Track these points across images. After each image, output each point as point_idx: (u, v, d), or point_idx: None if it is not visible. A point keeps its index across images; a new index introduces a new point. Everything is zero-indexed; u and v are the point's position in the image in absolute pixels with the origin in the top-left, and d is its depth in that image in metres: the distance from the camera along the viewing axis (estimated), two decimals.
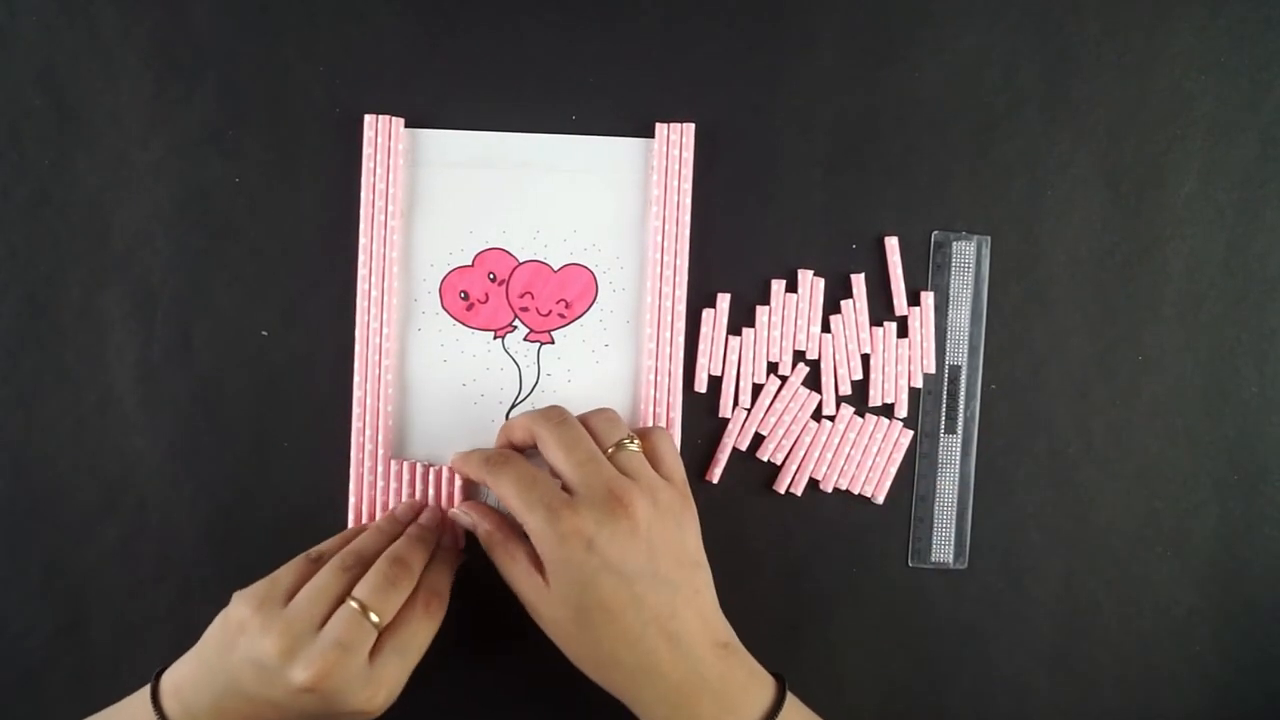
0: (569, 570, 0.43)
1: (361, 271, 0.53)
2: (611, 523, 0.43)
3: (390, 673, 0.44)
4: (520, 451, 0.48)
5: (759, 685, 0.45)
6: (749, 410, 0.54)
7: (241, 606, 0.44)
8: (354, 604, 0.43)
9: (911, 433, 0.54)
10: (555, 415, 0.46)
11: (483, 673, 0.53)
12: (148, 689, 0.44)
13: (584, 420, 0.47)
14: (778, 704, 0.44)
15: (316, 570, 0.45)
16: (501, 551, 0.46)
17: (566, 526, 0.42)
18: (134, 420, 0.53)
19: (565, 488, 0.45)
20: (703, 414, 0.53)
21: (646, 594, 0.43)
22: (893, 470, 0.54)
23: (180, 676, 0.44)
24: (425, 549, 0.47)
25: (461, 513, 0.49)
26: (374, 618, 0.43)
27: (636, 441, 0.46)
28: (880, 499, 0.54)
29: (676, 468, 0.48)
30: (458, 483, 0.52)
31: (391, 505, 0.52)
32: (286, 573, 0.45)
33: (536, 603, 0.45)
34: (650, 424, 0.53)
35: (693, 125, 0.53)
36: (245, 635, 0.43)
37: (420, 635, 0.45)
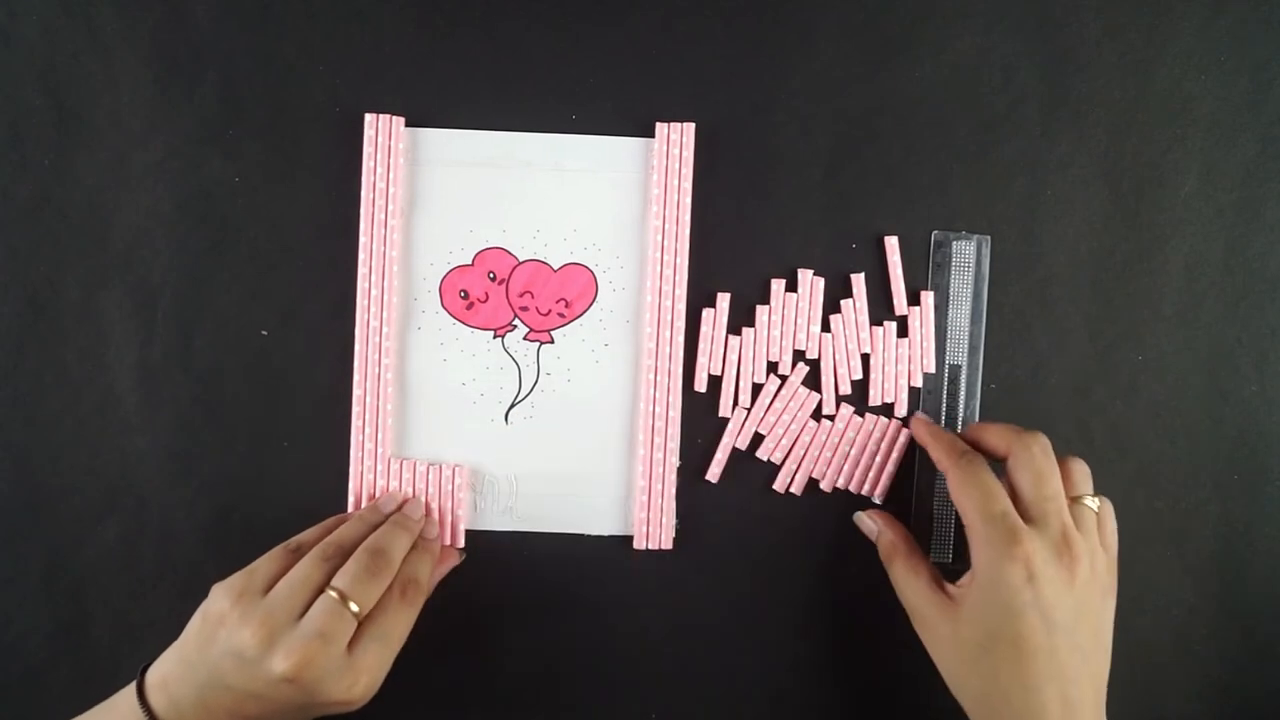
0: (1001, 593, 0.44)
1: (361, 270, 0.53)
2: (1057, 566, 0.44)
3: (370, 661, 0.44)
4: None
5: None
6: (749, 410, 0.54)
7: (220, 599, 0.44)
8: (333, 594, 0.43)
9: (901, 424, 0.54)
10: (1044, 442, 0.47)
11: (468, 667, 0.53)
12: (133, 685, 0.44)
13: (1061, 460, 0.48)
14: None
15: (295, 560, 0.45)
16: (904, 564, 0.49)
17: (1020, 551, 0.43)
18: (134, 420, 0.53)
19: (1020, 513, 0.45)
20: (702, 413, 0.53)
21: (1061, 649, 0.43)
22: (892, 469, 0.53)
23: (165, 671, 0.44)
24: (406, 538, 0.47)
25: (867, 519, 0.51)
26: (353, 607, 0.43)
27: (1097, 501, 0.48)
28: (879, 498, 0.54)
29: (1114, 542, 0.48)
30: (456, 481, 0.52)
31: None
32: (265, 563, 0.45)
33: (937, 619, 0.46)
34: (644, 427, 0.52)
35: (693, 125, 0.53)
36: (225, 627, 0.43)
37: (400, 624, 0.45)
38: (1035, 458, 0.46)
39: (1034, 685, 0.43)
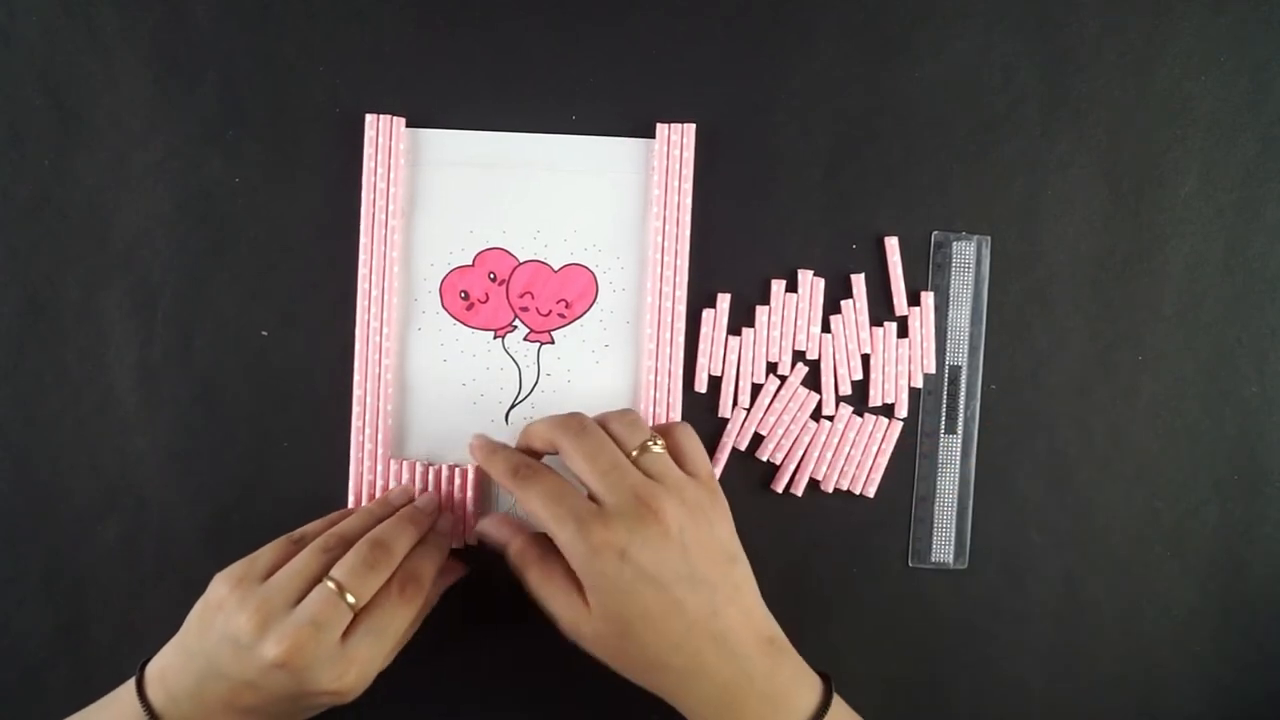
0: (606, 582, 0.42)
1: (362, 271, 0.53)
2: (642, 530, 0.42)
3: (362, 653, 0.43)
4: (539, 457, 0.47)
5: (806, 685, 0.44)
6: (748, 410, 0.54)
7: (220, 585, 0.44)
8: (330, 584, 0.43)
9: (901, 425, 0.54)
10: (575, 424, 0.45)
11: (467, 667, 0.53)
12: (133, 680, 0.45)
13: (604, 424, 0.46)
14: (824, 704, 0.44)
15: (298, 551, 0.45)
16: (535, 570, 0.45)
17: (598, 539, 0.42)
18: (134, 420, 0.53)
19: (592, 497, 0.44)
20: (702, 414, 0.53)
21: (686, 597, 0.42)
22: (883, 463, 0.53)
23: (164, 664, 0.44)
24: (411, 534, 0.47)
25: (492, 527, 0.48)
26: (350, 598, 0.43)
27: (660, 441, 0.45)
28: (871, 493, 0.53)
29: (702, 462, 0.47)
30: (456, 481, 0.52)
31: None
32: (266, 553, 0.46)
33: (576, 620, 0.44)
34: (655, 423, 0.52)
35: (693, 126, 0.53)
36: (222, 612, 0.43)
37: (396, 619, 0.45)
38: (576, 441, 0.44)
39: (679, 642, 0.42)
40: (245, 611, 0.42)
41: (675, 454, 0.46)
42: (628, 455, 0.45)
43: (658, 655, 0.43)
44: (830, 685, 0.45)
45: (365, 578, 0.44)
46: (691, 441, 0.47)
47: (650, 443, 0.45)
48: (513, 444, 0.48)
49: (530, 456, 0.47)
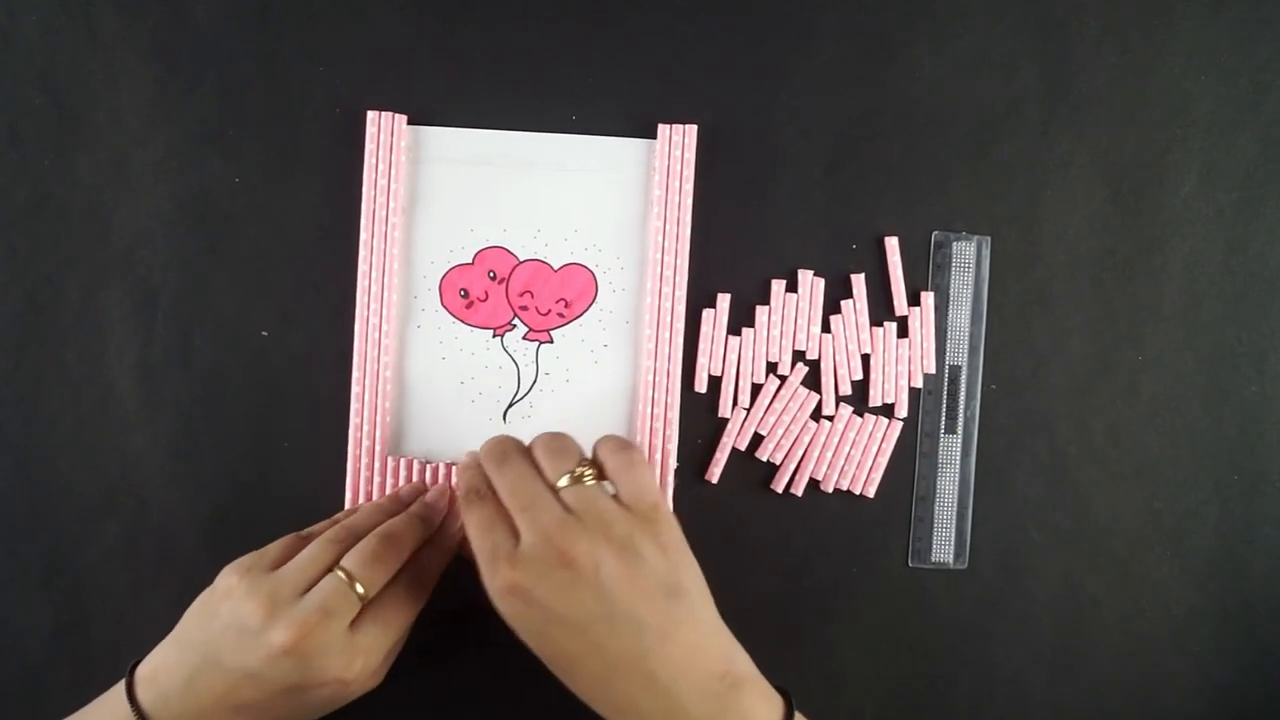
0: (516, 622, 0.41)
1: (362, 268, 0.53)
2: (551, 574, 0.40)
3: (370, 642, 0.44)
4: None
5: (764, 713, 0.42)
6: (748, 410, 0.54)
7: (229, 575, 0.44)
8: (340, 573, 0.43)
9: (901, 425, 0.54)
10: (498, 452, 0.43)
11: (465, 667, 0.53)
12: (122, 682, 0.44)
13: (533, 450, 0.44)
14: None
15: (304, 546, 0.45)
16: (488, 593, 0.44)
17: (502, 581, 0.40)
18: (134, 420, 0.53)
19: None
20: (702, 414, 0.53)
21: (605, 639, 0.40)
22: (884, 463, 0.53)
23: (156, 663, 0.45)
24: (421, 530, 0.47)
25: (464, 550, 0.48)
26: (359, 588, 0.43)
27: (590, 471, 0.43)
28: (871, 493, 0.53)
29: (640, 492, 0.43)
30: (453, 480, 0.52)
31: None
32: (276, 547, 0.46)
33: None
34: (643, 427, 0.52)
35: (694, 127, 0.53)
36: (229, 600, 0.43)
37: (403, 613, 0.45)
38: (496, 470, 0.43)
39: (602, 683, 0.41)
40: (254, 599, 0.42)
41: (613, 481, 0.43)
42: (552, 487, 0.42)
43: (590, 693, 0.42)
44: (791, 705, 0.43)
45: (375, 569, 0.44)
46: (629, 472, 0.43)
47: (582, 470, 0.42)
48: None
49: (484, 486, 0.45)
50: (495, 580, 0.40)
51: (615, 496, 0.43)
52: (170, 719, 0.43)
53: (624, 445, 0.44)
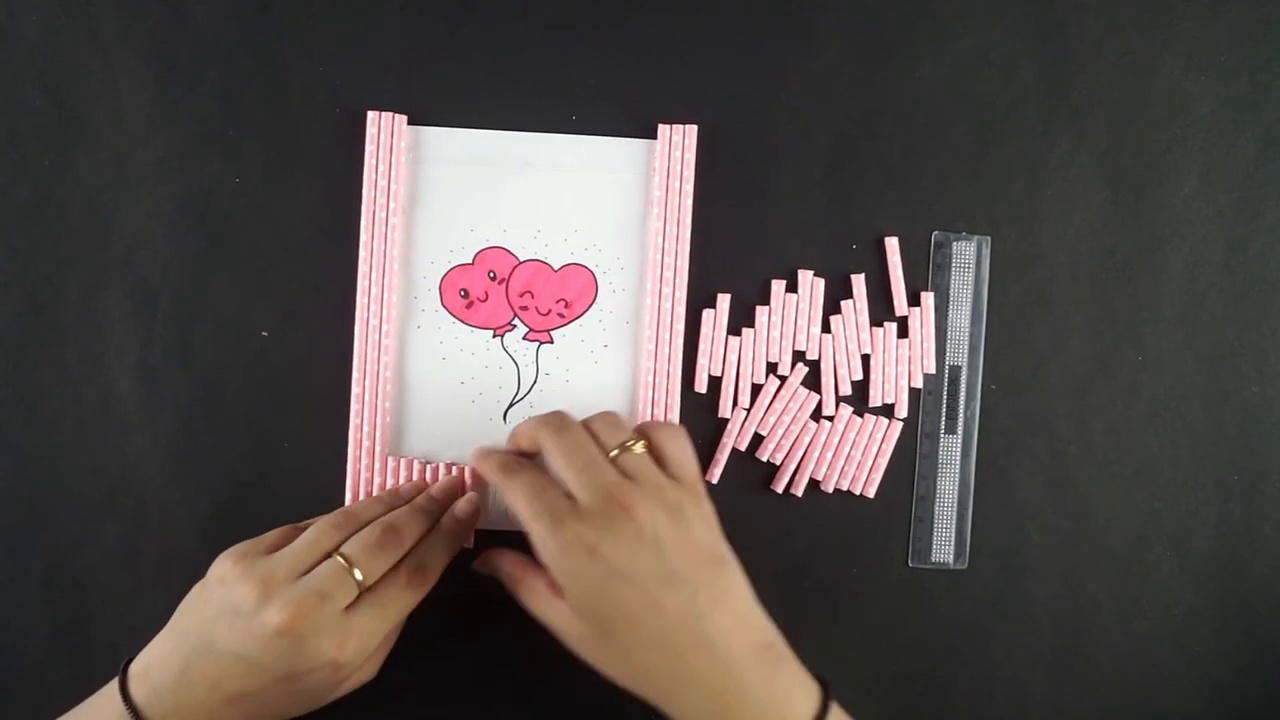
0: (578, 581, 0.41)
1: (362, 268, 0.53)
2: (614, 527, 0.41)
3: (365, 624, 0.43)
4: (530, 457, 0.47)
5: (803, 692, 0.43)
6: (748, 410, 0.54)
7: (222, 561, 0.44)
8: (340, 559, 0.43)
9: (901, 425, 0.54)
10: (555, 421, 0.45)
11: (464, 667, 0.53)
12: (115, 680, 0.44)
13: (587, 424, 0.45)
14: (822, 712, 0.42)
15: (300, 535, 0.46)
16: (523, 589, 0.45)
17: (568, 535, 0.41)
18: (134, 420, 0.53)
19: (570, 496, 0.43)
20: (702, 414, 0.53)
21: (664, 598, 0.41)
22: (884, 463, 0.53)
23: (149, 657, 0.45)
24: (424, 522, 0.47)
25: (481, 565, 0.49)
26: (358, 575, 0.43)
27: (641, 443, 0.45)
28: (871, 493, 0.53)
29: (685, 465, 0.45)
30: (467, 472, 0.52)
31: None
32: (270, 535, 0.46)
33: (562, 626, 0.44)
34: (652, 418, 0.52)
35: (695, 127, 0.53)
36: (223, 586, 0.43)
37: (400, 601, 0.45)
38: (556, 439, 0.44)
39: (662, 644, 0.41)
40: (248, 582, 0.42)
41: (657, 456, 0.45)
42: (606, 454, 0.44)
43: (642, 659, 0.42)
44: (828, 691, 0.43)
45: (376, 557, 0.44)
46: (675, 445, 0.45)
47: (631, 443, 0.44)
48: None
49: (522, 457, 0.47)
50: (561, 535, 0.41)
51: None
52: (163, 713, 0.43)
53: (670, 425, 0.46)
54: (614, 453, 0.44)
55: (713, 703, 0.42)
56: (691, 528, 0.43)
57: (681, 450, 0.45)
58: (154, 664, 0.44)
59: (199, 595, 0.45)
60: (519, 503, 0.43)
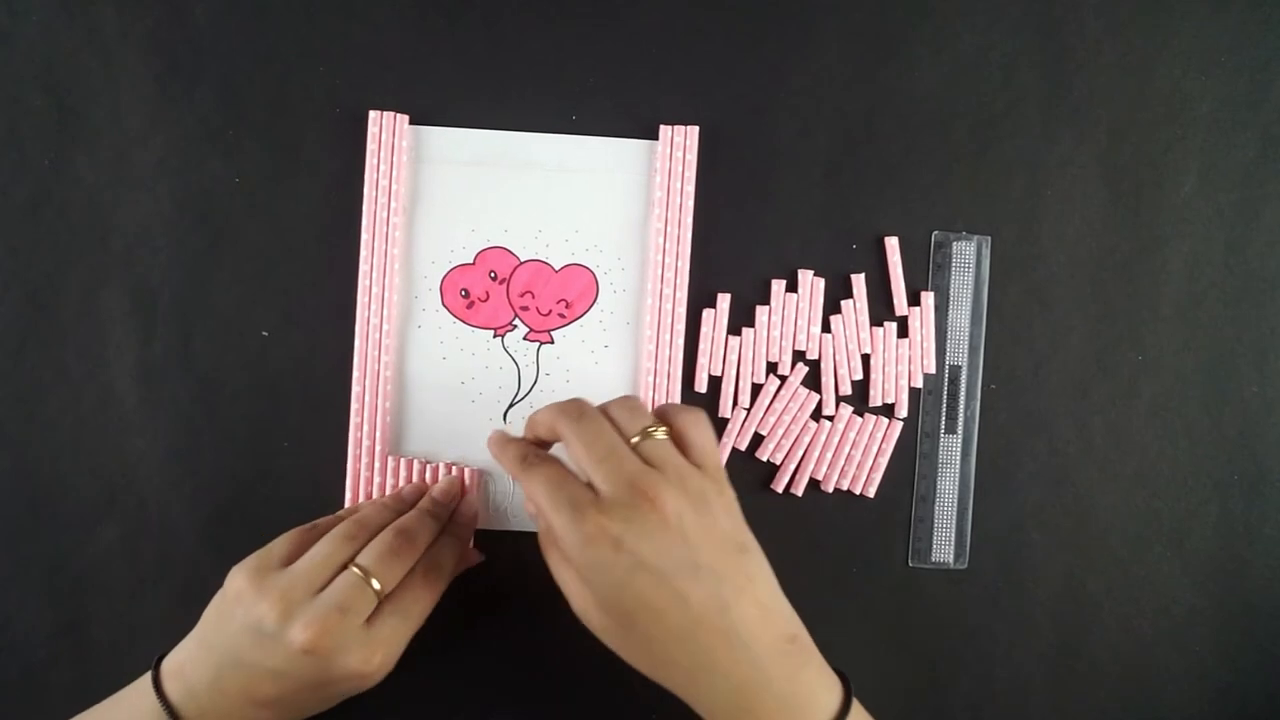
0: (602, 573, 0.40)
1: (363, 267, 0.53)
2: (639, 518, 0.40)
3: (389, 634, 0.44)
4: (547, 446, 0.46)
5: (825, 687, 0.42)
6: (749, 410, 0.54)
7: (238, 577, 0.44)
8: (356, 570, 0.44)
9: (901, 425, 0.54)
10: (574, 409, 0.43)
11: (463, 667, 0.53)
12: (147, 675, 0.45)
13: (605, 410, 0.44)
14: (844, 708, 0.42)
15: (311, 540, 0.45)
16: (555, 552, 0.43)
17: (591, 526, 0.40)
18: (134, 420, 0.53)
19: (592, 486, 0.42)
20: None
21: (689, 589, 0.40)
22: (884, 463, 0.53)
23: (182, 658, 0.45)
24: (434, 524, 0.48)
25: (529, 503, 0.46)
26: (375, 584, 0.43)
27: (662, 429, 0.43)
28: (871, 493, 0.53)
29: (707, 451, 0.43)
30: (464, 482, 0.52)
31: None
32: (281, 543, 0.46)
33: (585, 609, 0.42)
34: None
35: (696, 128, 0.53)
36: (241, 604, 0.43)
37: (420, 604, 0.46)
38: (574, 428, 0.42)
39: (685, 636, 0.40)
40: (266, 600, 0.42)
41: (680, 442, 0.43)
42: (627, 441, 0.42)
43: (664, 650, 0.41)
44: (850, 687, 0.43)
45: (391, 565, 0.44)
46: (698, 430, 0.44)
47: (652, 429, 0.43)
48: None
49: (540, 448, 0.46)
50: (583, 527, 0.40)
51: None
52: (198, 712, 0.43)
53: (691, 408, 0.44)
54: (635, 439, 0.42)
55: (735, 696, 0.41)
56: (716, 516, 0.42)
57: (704, 436, 0.44)
58: (187, 665, 0.44)
59: (220, 610, 0.44)
60: (539, 495, 0.42)
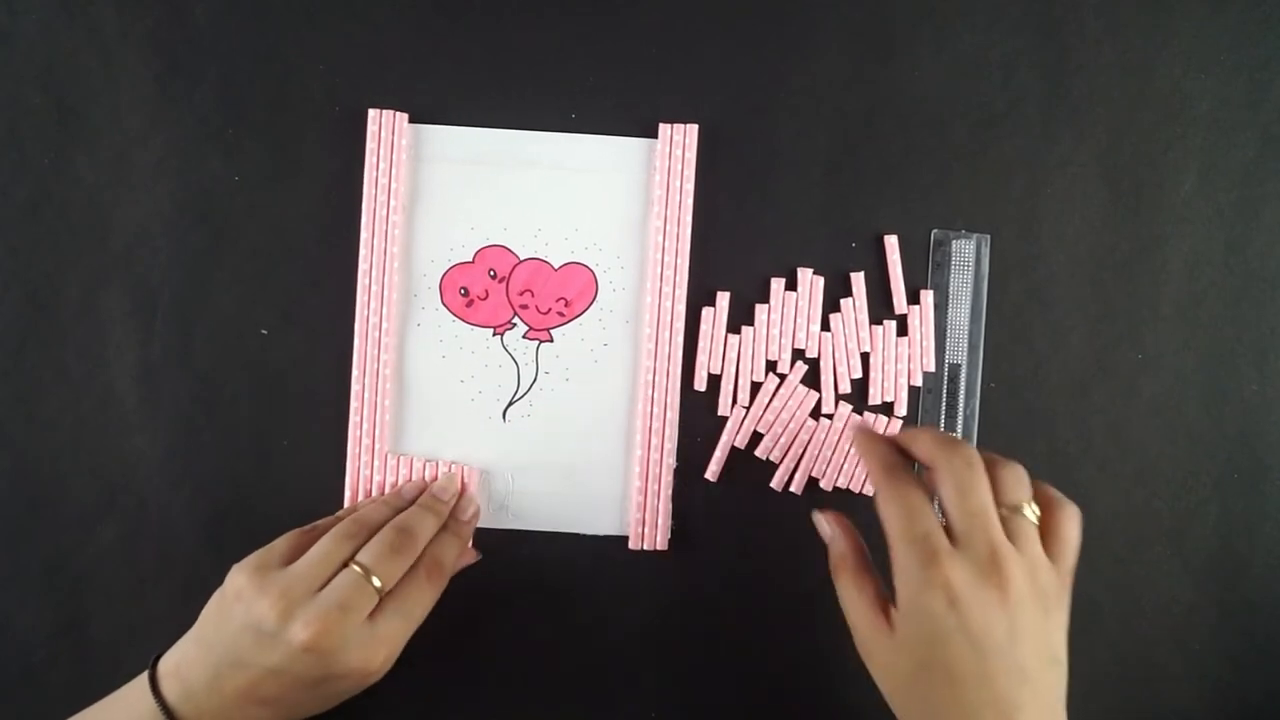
0: (924, 621, 0.40)
1: (362, 266, 0.53)
2: (983, 587, 0.40)
3: (390, 631, 0.44)
4: (908, 458, 0.45)
5: None
6: (748, 408, 0.54)
7: (237, 576, 0.44)
8: (357, 568, 0.44)
9: (901, 423, 0.54)
10: (964, 454, 0.43)
11: (462, 666, 0.53)
12: (144, 675, 0.45)
13: (990, 466, 0.43)
14: None
15: (311, 541, 0.46)
16: (850, 579, 0.44)
17: (938, 575, 0.40)
18: (134, 420, 0.53)
19: (947, 530, 0.42)
20: (702, 412, 0.53)
21: (997, 674, 0.40)
22: None
23: (179, 657, 0.45)
24: (434, 521, 0.48)
25: (824, 522, 0.47)
26: (376, 582, 0.44)
27: (1036, 510, 0.43)
28: (871, 491, 0.53)
29: (1069, 552, 0.43)
30: (463, 480, 0.52)
31: None
32: (281, 543, 0.46)
33: (872, 643, 0.43)
34: (643, 426, 0.52)
35: (696, 127, 0.53)
36: (241, 602, 0.43)
37: (421, 601, 0.46)
38: (957, 470, 0.42)
39: (969, 712, 0.40)
40: (267, 599, 0.42)
41: (1045, 531, 0.43)
42: (1000, 507, 0.42)
43: (941, 714, 0.40)
44: None
45: (392, 562, 0.45)
46: (1069, 525, 0.43)
47: (1025, 505, 0.42)
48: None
49: (902, 457, 0.45)
50: (935, 573, 0.40)
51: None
52: (195, 712, 0.43)
53: (1068, 503, 0.44)
54: (1005, 509, 0.42)
55: None
56: (1050, 622, 0.42)
57: (1073, 534, 0.43)
58: (184, 665, 0.44)
59: (220, 609, 0.44)
60: (895, 517, 0.42)
